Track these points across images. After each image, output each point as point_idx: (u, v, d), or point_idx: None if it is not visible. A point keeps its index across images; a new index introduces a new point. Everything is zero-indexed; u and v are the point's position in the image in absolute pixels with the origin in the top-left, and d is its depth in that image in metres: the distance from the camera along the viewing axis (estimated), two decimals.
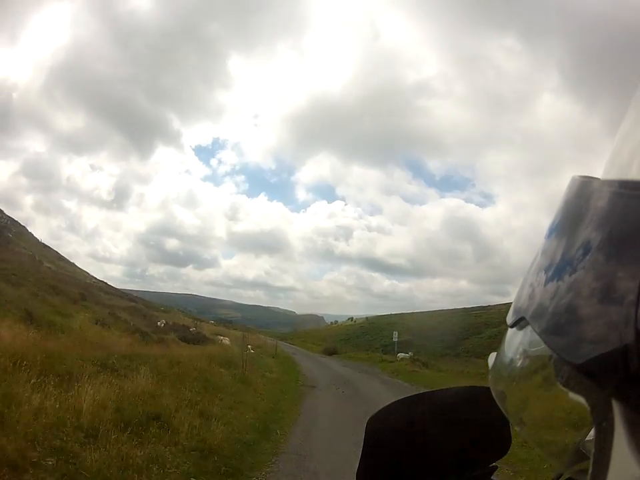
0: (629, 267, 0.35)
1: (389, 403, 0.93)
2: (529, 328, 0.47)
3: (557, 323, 0.40)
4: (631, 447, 0.35)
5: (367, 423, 0.88)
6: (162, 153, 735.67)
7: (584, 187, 0.45)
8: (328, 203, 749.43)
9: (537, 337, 0.44)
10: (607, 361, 0.35)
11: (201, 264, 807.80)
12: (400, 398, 0.96)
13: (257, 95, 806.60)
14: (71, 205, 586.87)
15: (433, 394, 1.01)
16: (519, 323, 0.49)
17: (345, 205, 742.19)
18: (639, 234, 0.36)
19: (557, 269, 0.43)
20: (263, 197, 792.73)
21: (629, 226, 0.37)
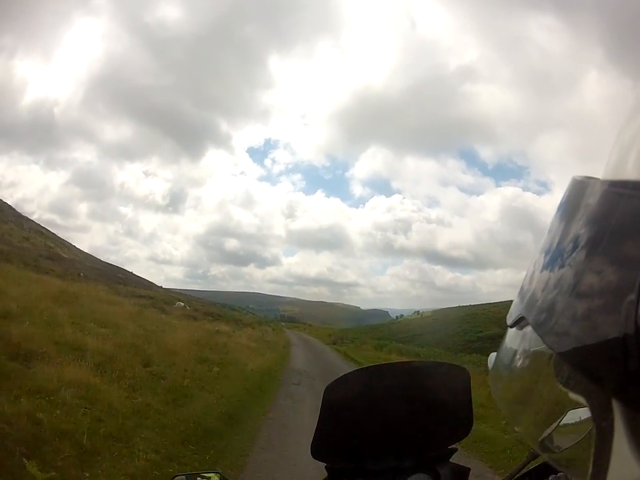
0: (627, 265, 0.35)
1: (349, 371, 0.90)
2: (529, 328, 0.47)
3: (556, 323, 0.40)
4: (631, 447, 0.35)
5: (325, 390, 0.84)
6: (213, 155, 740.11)
7: (579, 187, 0.46)
8: (386, 197, 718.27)
9: (536, 337, 0.44)
10: (606, 360, 0.35)
11: (262, 262, 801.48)
12: (360, 367, 0.95)
13: (302, 94, 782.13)
14: (126, 210, 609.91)
15: (397, 366, 0.97)
16: (519, 322, 0.49)
17: (403, 198, 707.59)
18: (633, 232, 0.36)
19: (554, 268, 0.43)
20: (320, 194, 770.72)
21: (624, 224, 0.37)
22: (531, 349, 0.50)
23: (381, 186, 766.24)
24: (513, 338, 0.54)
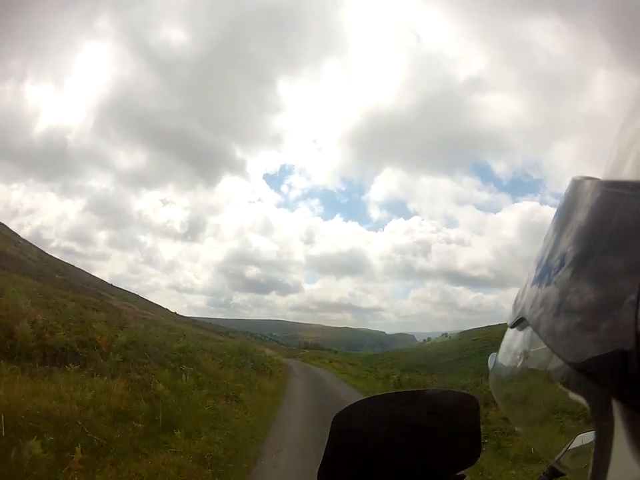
0: (627, 266, 0.35)
1: (357, 400, 0.91)
2: (529, 328, 0.47)
3: (557, 324, 0.40)
4: (631, 447, 0.35)
5: (332, 420, 0.85)
6: (229, 182, 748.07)
7: (579, 187, 0.46)
8: (405, 219, 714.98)
9: (537, 338, 0.44)
10: (607, 361, 0.35)
11: (284, 290, 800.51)
12: (368, 397, 0.96)
13: (313, 117, 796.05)
14: (145, 239, 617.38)
15: (406, 395, 1.00)
16: (519, 323, 0.49)
17: (422, 220, 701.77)
18: (634, 233, 0.36)
19: (554, 268, 0.43)
20: (338, 219, 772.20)
21: (624, 225, 0.37)
22: (531, 350, 0.51)
23: (399, 208, 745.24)
24: (512, 338, 0.54)
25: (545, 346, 0.42)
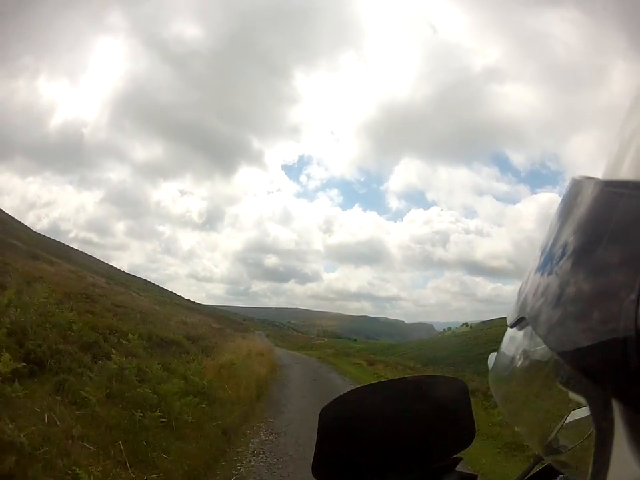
0: (627, 265, 0.35)
1: (345, 392, 0.90)
2: (529, 328, 0.47)
3: (556, 323, 0.40)
4: (631, 447, 0.35)
5: (320, 413, 0.84)
6: (247, 173, 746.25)
7: (579, 187, 0.46)
8: (424, 209, 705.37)
9: (537, 337, 0.44)
10: (606, 360, 0.35)
11: (303, 278, 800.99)
12: (356, 387, 0.95)
13: (330, 109, 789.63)
14: (164, 229, 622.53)
15: (392, 383, 1.00)
16: (519, 322, 0.49)
17: (441, 210, 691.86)
18: (633, 232, 0.36)
19: (554, 267, 0.43)
20: (357, 209, 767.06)
21: (624, 224, 0.37)
22: (531, 349, 0.51)
23: (417, 198, 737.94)
24: (513, 338, 0.54)
25: (544, 345, 0.42)
